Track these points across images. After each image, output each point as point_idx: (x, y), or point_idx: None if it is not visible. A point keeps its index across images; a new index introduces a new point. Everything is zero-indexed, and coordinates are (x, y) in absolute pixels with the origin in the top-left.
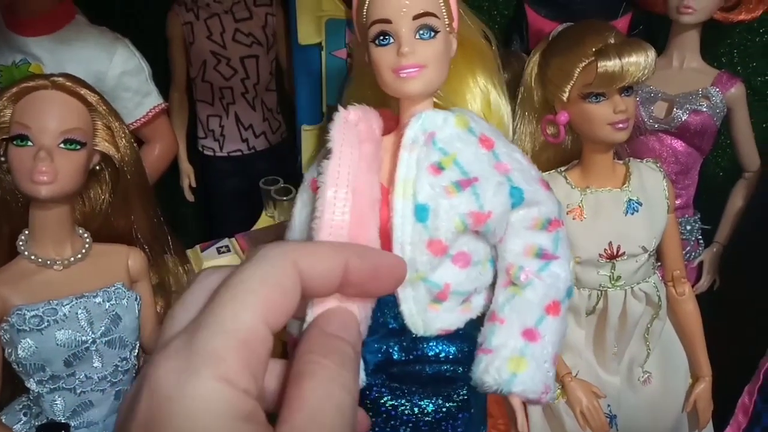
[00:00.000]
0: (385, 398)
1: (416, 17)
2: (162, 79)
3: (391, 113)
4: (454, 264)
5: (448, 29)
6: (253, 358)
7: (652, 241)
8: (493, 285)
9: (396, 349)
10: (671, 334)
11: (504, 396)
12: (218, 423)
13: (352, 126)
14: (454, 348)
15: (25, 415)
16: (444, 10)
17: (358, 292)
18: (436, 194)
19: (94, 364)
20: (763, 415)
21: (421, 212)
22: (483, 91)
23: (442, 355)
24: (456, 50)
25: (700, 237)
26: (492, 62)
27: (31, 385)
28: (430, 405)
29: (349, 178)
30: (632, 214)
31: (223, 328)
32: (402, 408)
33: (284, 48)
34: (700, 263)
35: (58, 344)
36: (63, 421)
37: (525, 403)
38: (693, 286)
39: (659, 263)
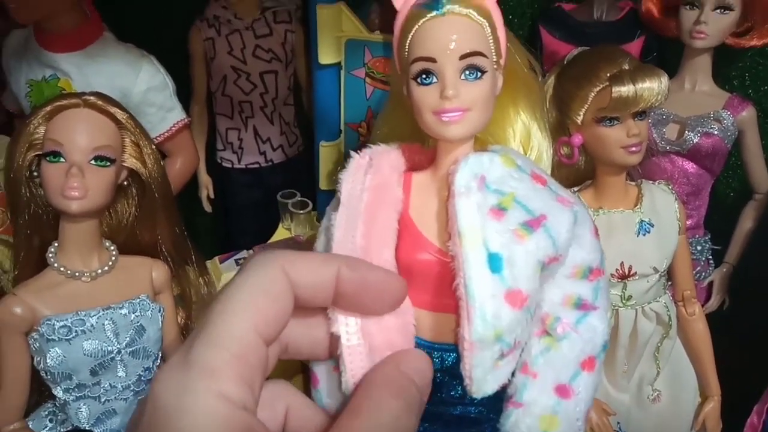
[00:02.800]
0: None
1: (463, 57)
2: (182, 93)
3: (421, 147)
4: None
5: (495, 67)
6: (247, 370)
7: (663, 261)
8: None
9: None
10: (681, 353)
11: None
12: None
13: (362, 173)
14: None
15: (51, 421)
16: (493, 48)
17: (355, 307)
18: (507, 241)
19: (119, 374)
20: None
21: (494, 262)
22: (525, 125)
23: (468, 398)
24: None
25: (710, 257)
26: (537, 95)
27: (58, 392)
28: None
29: (356, 235)
30: (644, 235)
31: (216, 341)
32: None
33: (303, 64)
34: (710, 283)
35: (85, 354)
36: (87, 428)
37: None
38: (703, 306)
39: (670, 283)
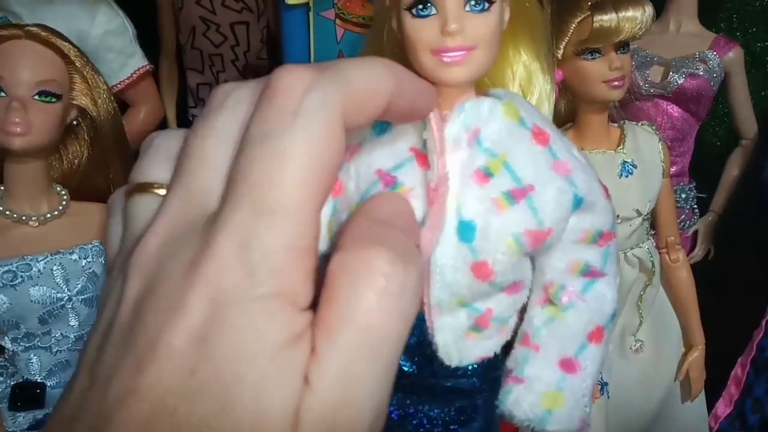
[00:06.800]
0: (391, 408)
1: None
2: (151, 47)
3: None
4: (503, 293)
5: None
6: (311, 264)
7: (646, 204)
8: None
9: (407, 363)
10: (664, 303)
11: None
12: (269, 355)
13: None
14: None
15: (1, 375)
16: None
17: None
18: (485, 209)
19: (71, 323)
20: (754, 386)
21: (466, 230)
22: (526, 66)
23: (461, 370)
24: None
25: (695, 206)
26: (541, 30)
27: (6, 343)
28: (442, 414)
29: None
30: (626, 176)
31: (283, 231)
32: (410, 418)
33: (275, 15)
34: (695, 232)
35: (32, 301)
36: (39, 381)
37: None
38: (688, 255)
39: (654, 231)
